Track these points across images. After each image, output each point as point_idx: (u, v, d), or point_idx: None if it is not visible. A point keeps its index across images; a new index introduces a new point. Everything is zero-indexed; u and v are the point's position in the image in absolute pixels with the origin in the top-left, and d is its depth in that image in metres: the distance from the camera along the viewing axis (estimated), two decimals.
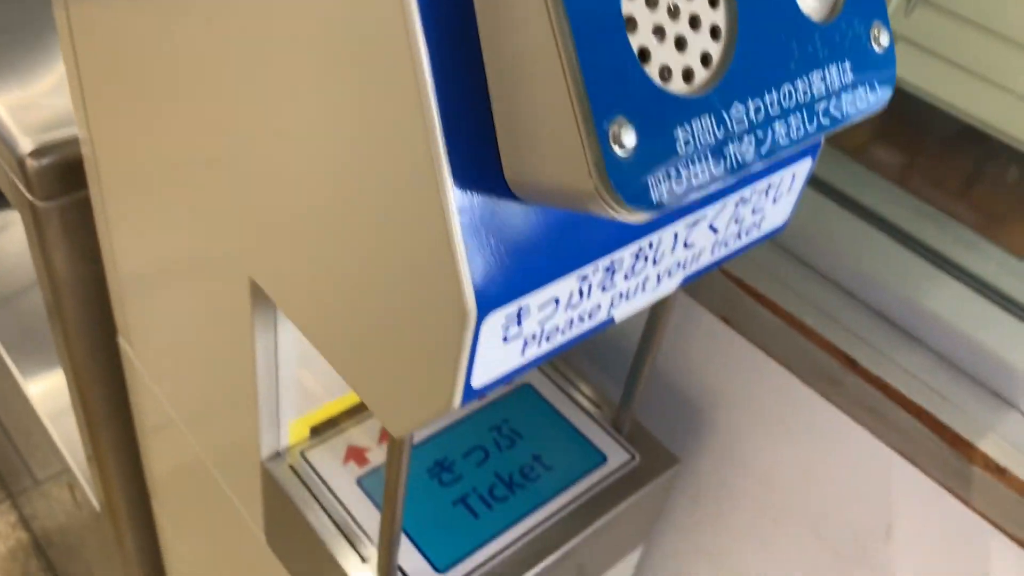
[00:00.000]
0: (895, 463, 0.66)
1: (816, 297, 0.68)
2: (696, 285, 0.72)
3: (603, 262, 0.44)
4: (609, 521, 0.70)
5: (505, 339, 0.42)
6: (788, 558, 0.79)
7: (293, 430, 0.69)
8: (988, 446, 0.59)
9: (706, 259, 0.52)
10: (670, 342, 0.79)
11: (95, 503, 1.17)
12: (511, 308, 0.40)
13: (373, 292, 0.44)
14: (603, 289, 0.46)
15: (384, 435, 0.72)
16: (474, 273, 0.37)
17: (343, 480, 0.69)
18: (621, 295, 0.48)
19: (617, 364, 0.82)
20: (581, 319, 0.46)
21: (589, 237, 0.43)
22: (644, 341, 0.69)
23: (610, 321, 0.49)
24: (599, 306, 0.47)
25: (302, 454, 0.70)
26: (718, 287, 0.70)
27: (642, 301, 0.50)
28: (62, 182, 0.80)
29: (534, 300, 0.42)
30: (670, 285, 0.51)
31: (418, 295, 0.41)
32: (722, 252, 0.53)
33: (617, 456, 0.74)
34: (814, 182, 0.75)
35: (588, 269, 0.44)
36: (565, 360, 0.81)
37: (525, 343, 0.44)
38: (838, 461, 0.70)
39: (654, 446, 0.75)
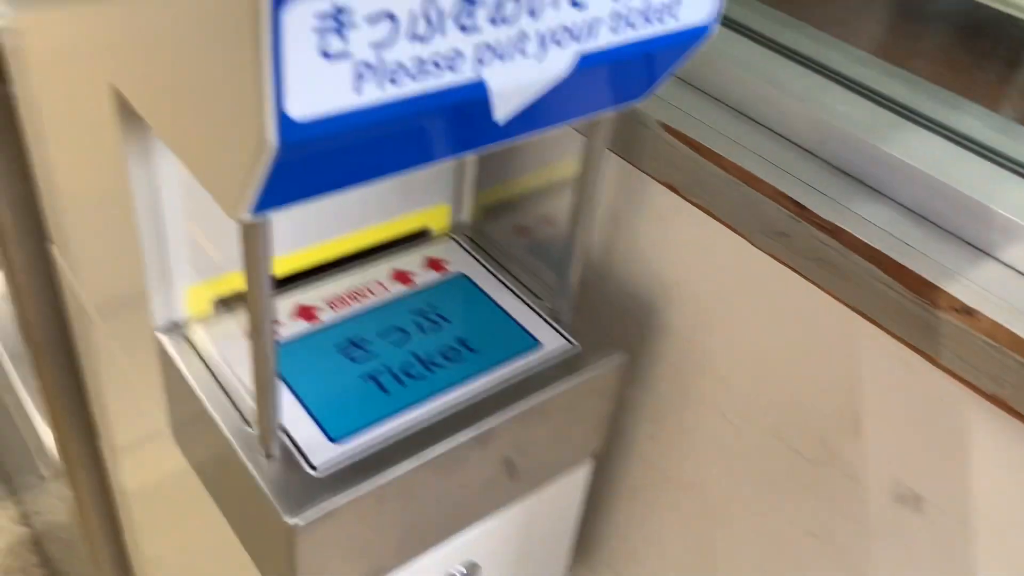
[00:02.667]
0: (856, 329, 0.57)
1: (769, 154, 0.61)
2: (638, 151, 0.65)
3: None
4: (539, 408, 0.63)
5: (326, 55, 0.36)
6: (755, 471, 0.70)
7: (193, 300, 0.63)
8: (955, 288, 0.51)
9: (605, 38, 0.46)
10: (616, 230, 0.72)
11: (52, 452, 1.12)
12: (322, 2, 0.34)
13: (178, 39, 0.39)
14: (462, 29, 0.40)
15: (299, 310, 0.66)
16: None
17: (242, 353, 0.62)
18: (491, 49, 0.41)
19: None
20: (437, 65, 0.40)
21: None
22: (575, 206, 0.62)
23: (480, 90, 0.42)
24: (460, 54, 0.40)
25: (202, 326, 0.64)
26: (663, 151, 0.63)
27: (523, 73, 0.43)
28: None
29: (358, 5, 0.36)
30: (559, 61, 0.45)
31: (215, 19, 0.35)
32: (627, 35, 0.46)
33: (554, 343, 0.66)
34: (769, 40, 0.68)
35: None
36: (506, 252, 0.74)
37: (360, 74, 0.37)
38: (797, 339, 0.62)
39: (598, 337, 0.67)
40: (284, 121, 0.36)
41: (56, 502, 1.37)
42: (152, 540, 0.96)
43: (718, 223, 0.62)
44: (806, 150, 0.62)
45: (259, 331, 0.49)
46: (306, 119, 0.37)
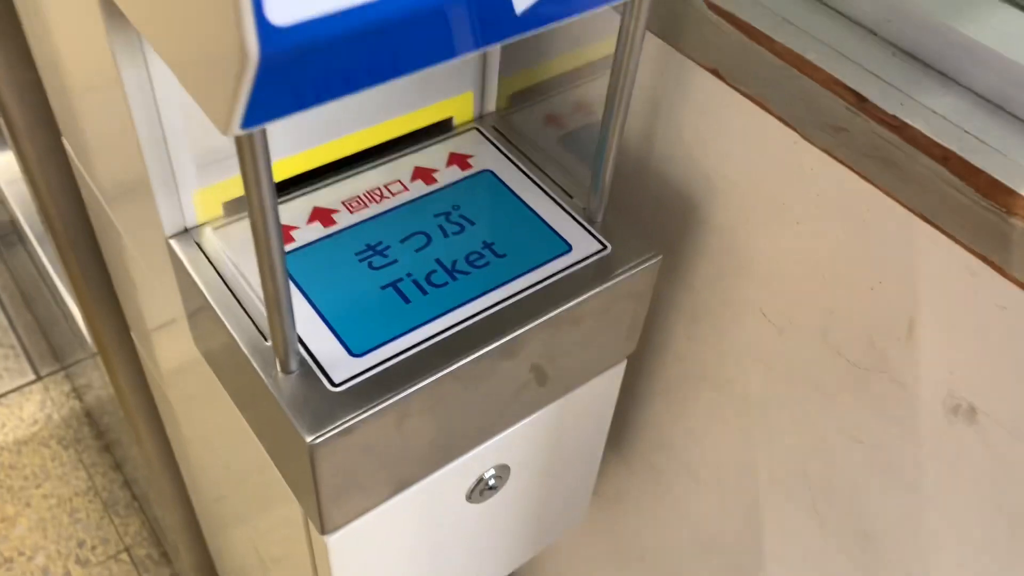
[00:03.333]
0: (915, 230, 0.52)
1: (826, 36, 0.54)
2: (680, 32, 0.59)
3: None
4: (569, 315, 0.59)
5: None
6: (798, 376, 0.66)
7: (203, 203, 0.60)
8: None
9: None
10: (655, 118, 0.66)
11: (90, 342, 1.13)
12: None
13: None
14: None
15: (315, 213, 0.63)
16: None
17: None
18: None
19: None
20: None
21: None
22: (610, 93, 0.56)
23: None
24: None
25: (214, 231, 0.61)
26: (708, 32, 0.57)
27: None
28: None
29: None
30: None
31: None
32: None
33: (585, 245, 0.62)
34: None
35: None
36: (535, 144, 0.69)
37: None
38: (849, 240, 0.57)
39: (632, 237, 0.63)
40: (265, 29, 0.32)
41: (104, 378, 1.41)
42: (186, 421, 0.96)
43: (767, 114, 0.56)
44: (868, 29, 0.55)
45: (264, 251, 0.46)
46: (292, 23, 0.32)
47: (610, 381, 0.71)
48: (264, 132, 0.41)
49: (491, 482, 0.68)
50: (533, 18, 0.41)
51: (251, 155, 0.41)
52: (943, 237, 0.50)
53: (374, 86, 0.40)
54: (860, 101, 0.50)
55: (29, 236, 1.33)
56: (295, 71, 0.35)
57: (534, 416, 0.66)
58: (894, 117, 0.49)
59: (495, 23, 0.40)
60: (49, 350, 1.98)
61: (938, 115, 0.50)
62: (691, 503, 0.85)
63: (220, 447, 0.84)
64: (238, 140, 0.41)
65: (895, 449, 0.62)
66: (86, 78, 0.60)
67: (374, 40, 0.36)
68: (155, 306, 0.79)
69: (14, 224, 1.48)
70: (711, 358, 0.74)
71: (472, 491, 0.68)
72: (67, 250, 0.95)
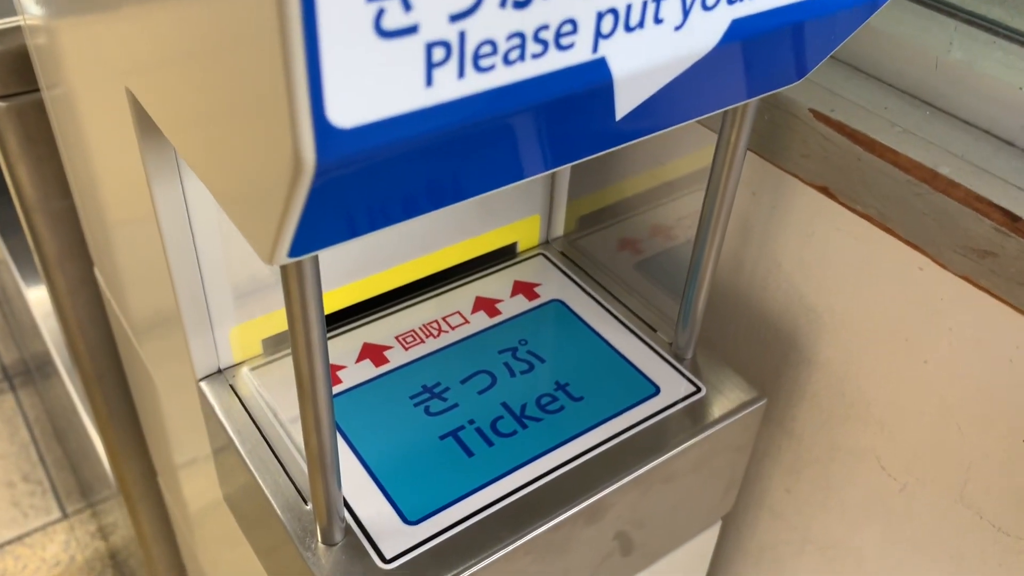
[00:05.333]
0: None
1: (958, 148, 0.47)
2: (780, 146, 0.52)
3: None
4: (661, 470, 0.50)
5: (383, 32, 0.24)
6: (929, 539, 0.56)
7: (239, 340, 0.53)
8: None
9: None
10: (748, 243, 0.58)
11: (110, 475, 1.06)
12: None
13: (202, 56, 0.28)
14: None
15: (365, 350, 0.55)
16: None
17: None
18: (614, 15, 0.29)
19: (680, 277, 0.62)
20: (540, 41, 0.28)
21: None
22: (704, 218, 0.49)
23: (601, 74, 0.30)
24: (573, 24, 0.28)
25: (251, 372, 0.53)
26: (814, 145, 0.50)
27: (656, 49, 0.31)
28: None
29: None
30: (706, 30, 0.32)
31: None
32: None
33: (675, 387, 0.54)
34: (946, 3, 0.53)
35: None
36: (608, 272, 0.62)
37: (429, 59, 0.26)
38: (991, 379, 0.48)
39: (727, 377, 0.54)
40: (324, 130, 0.25)
41: (129, 518, 1.32)
42: (211, 567, 0.87)
43: (889, 235, 0.49)
44: (1004, 141, 0.48)
45: (310, 399, 0.38)
46: (355, 126, 0.25)
47: (702, 546, 0.61)
48: (315, 260, 0.34)
49: None
50: (637, 124, 0.35)
51: (299, 287, 0.34)
52: None
53: (440, 207, 0.33)
54: (1011, 221, 0.42)
55: (60, 369, 1.29)
56: (358, 185, 0.28)
57: None
58: None
59: (597, 132, 0.33)
60: (77, 485, 1.90)
61: None
62: None
63: None
64: (284, 270, 0.34)
65: None
66: (120, 204, 0.55)
67: (455, 149, 0.29)
68: (183, 450, 0.71)
69: (48, 356, 1.45)
70: (815, 516, 0.63)
71: None
72: (93, 385, 0.89)
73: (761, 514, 0.68)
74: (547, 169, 0.35)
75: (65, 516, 1.88)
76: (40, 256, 0.80)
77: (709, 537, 0.61)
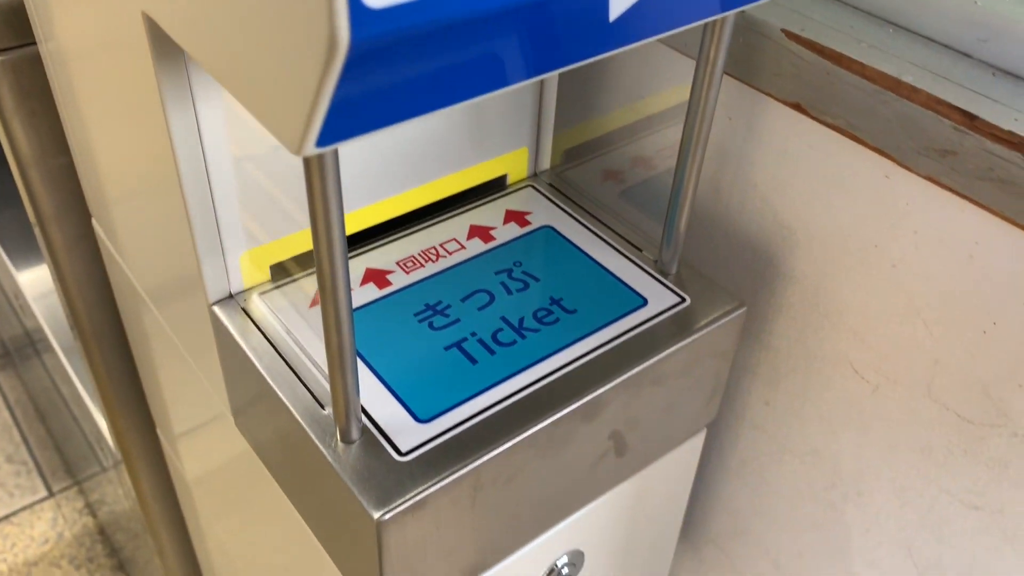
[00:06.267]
0: None
1: (918, 59, 0.51)
2: (755, 67, 0.55)
3: None
4: (651, 373, 0.54)
5: None
6: (898, 439, 0.60)
7: (249, 267, 0.56)
8: None
9: None
10: (725, 164, 0.62)
11: (114, 449, 1.07)
12: None
13: None
14: None
15: (368, 274, 0.58)
16: None
17: (307, 325, 0.54)
18: None
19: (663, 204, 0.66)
20: None
21: None
22: (685, 141, 0.52)
23: None
24: None
25: (260, 297, 0.56)
26: (787, 64, 0.53)
27: None
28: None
29: None
30: None
31: None
32: None
33: (661, 298, 0.57)
34: None
35: None
36: (594, 199, 0.65)
37: None
38: (958, 276, 0.52)
39: (710, 288, 0.58)
40: (358, 9, 0.28)
41: (119, 491, 1.34)
42: (216, 530, 0.89)
43: (859, 145, 0.52)
44: (961, 52, 0.52)
45: (333, 296, 0.41)
46: (386, 6, 0.28)
47: (689, 453, 0.65)
48: (336, 157, 0.37)
49: (564, 571, 0.61)
50: (628, 28, 0.38)
51: (321, 184, 0.37)
52: None
53: (457, 103, 0.36)
54: (969, 119, 0.46)
55: (53, 345, 1.30)
56: (382, 69, 0.31)
57: (610, 493, 0.60)
58: (1011, 133, 0.45)
59: (592, 34, 0.36)
60: (62, 465, 1.91)
61: None
62: None
63: (255, 554, 0.77)
64: (309, 166, 0.37)
65: (1020, 513, 0.55)
66: (128, 141, 0.57)
67: (471, 39, 0.32)
68: (189, 401, 0.73)
69: (29, 337, 1.45)
70: (793, 425, 0.68)
71: None
72: (93, 348, 0.91)
73: (742, 429, 0.72)
74: (550, 69, 0.38)
75: (51, 494, 1.89)
76: (36, 213, 0.82)
77: (695, 446, 0.65)
